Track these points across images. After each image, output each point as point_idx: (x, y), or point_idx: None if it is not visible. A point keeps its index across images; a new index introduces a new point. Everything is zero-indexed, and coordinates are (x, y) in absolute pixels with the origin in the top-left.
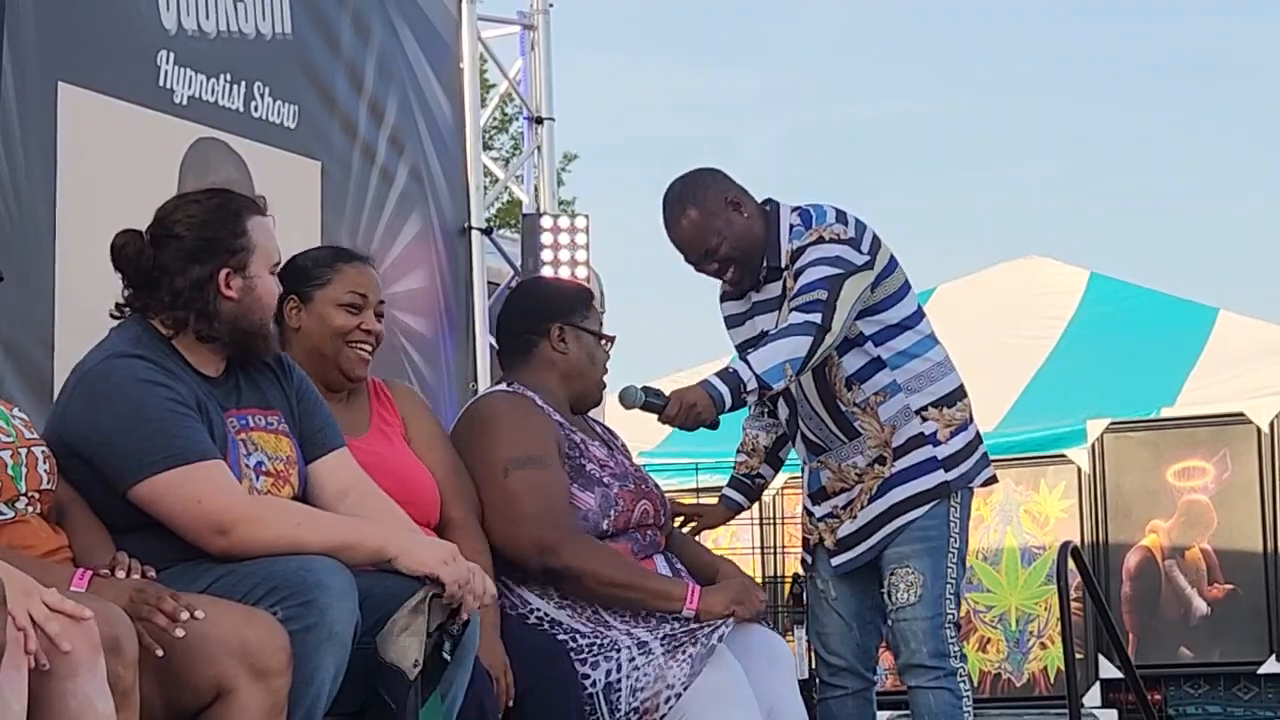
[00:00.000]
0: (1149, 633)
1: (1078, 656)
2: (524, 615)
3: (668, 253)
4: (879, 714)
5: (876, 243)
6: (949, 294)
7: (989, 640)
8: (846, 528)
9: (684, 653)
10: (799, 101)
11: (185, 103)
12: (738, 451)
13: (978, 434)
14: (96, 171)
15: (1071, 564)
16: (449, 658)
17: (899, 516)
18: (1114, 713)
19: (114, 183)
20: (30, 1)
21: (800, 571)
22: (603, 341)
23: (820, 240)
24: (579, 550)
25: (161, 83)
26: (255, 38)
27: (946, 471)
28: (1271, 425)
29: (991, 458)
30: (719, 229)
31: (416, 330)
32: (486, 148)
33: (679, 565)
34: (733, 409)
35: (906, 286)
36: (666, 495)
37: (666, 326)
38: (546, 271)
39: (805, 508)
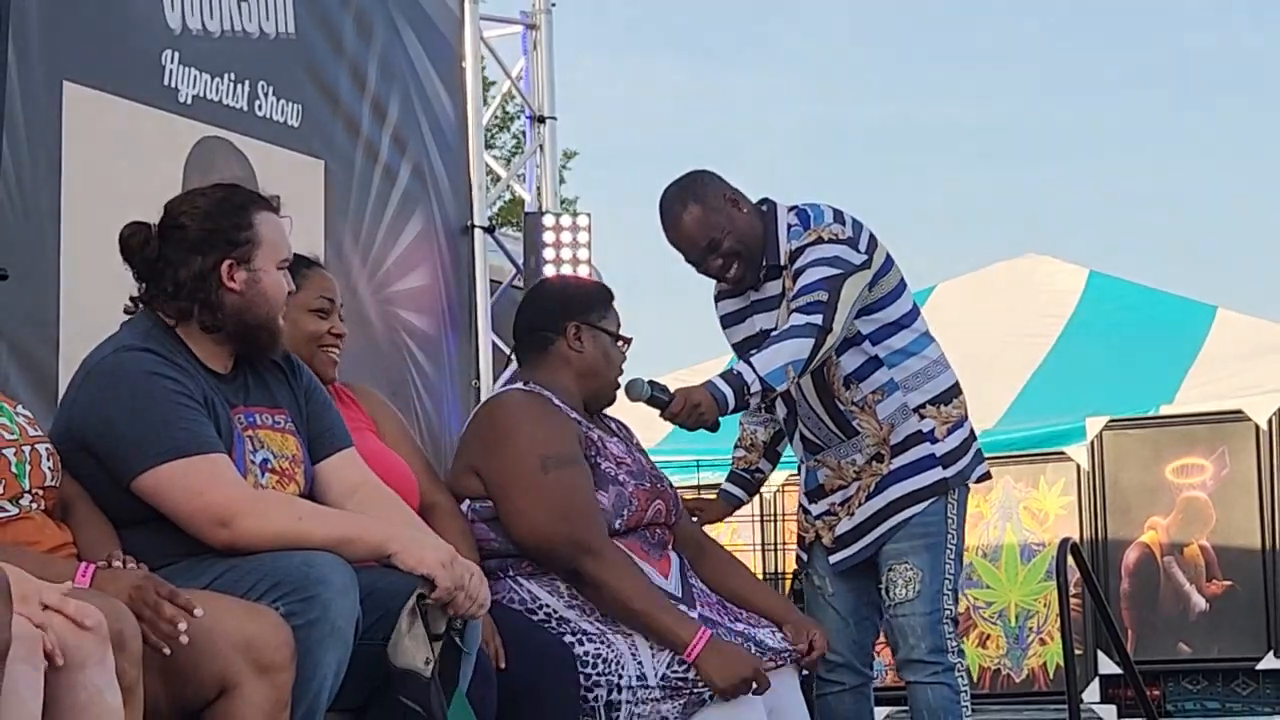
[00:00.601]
0: (1148, 629)
1: (1077, 652)
2: (531, 610)
3: (668, 252)
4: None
5: (873, 241)
6: (949, 292)
7: (988, 636)
8: (844, 525)
9: (680, 697)
10: (800, 102)
11: (190, 102)
12: (736, 446)
13: (972, 431)
14: (101, 170)
15: (1071, 560)
16: (464, 647)
17: (897, 513)
18: (1113, 708)
19: (119, 181)
20: (35, 1)
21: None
22: (619, 342)
23: (819, 240)
24: (614, 562)
25: (166, 82)
26: (259, 37)
27: (945, 469)
28: (1270, 423)
29: (991, 455)
30: (721, 224)
31: (419, 328)
32: (488, 146)
33: (690, 574)
34: (735, 410)
35: (903, 285)
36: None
37: (666, 325)
38: (549, 270)
39: (802, 505)
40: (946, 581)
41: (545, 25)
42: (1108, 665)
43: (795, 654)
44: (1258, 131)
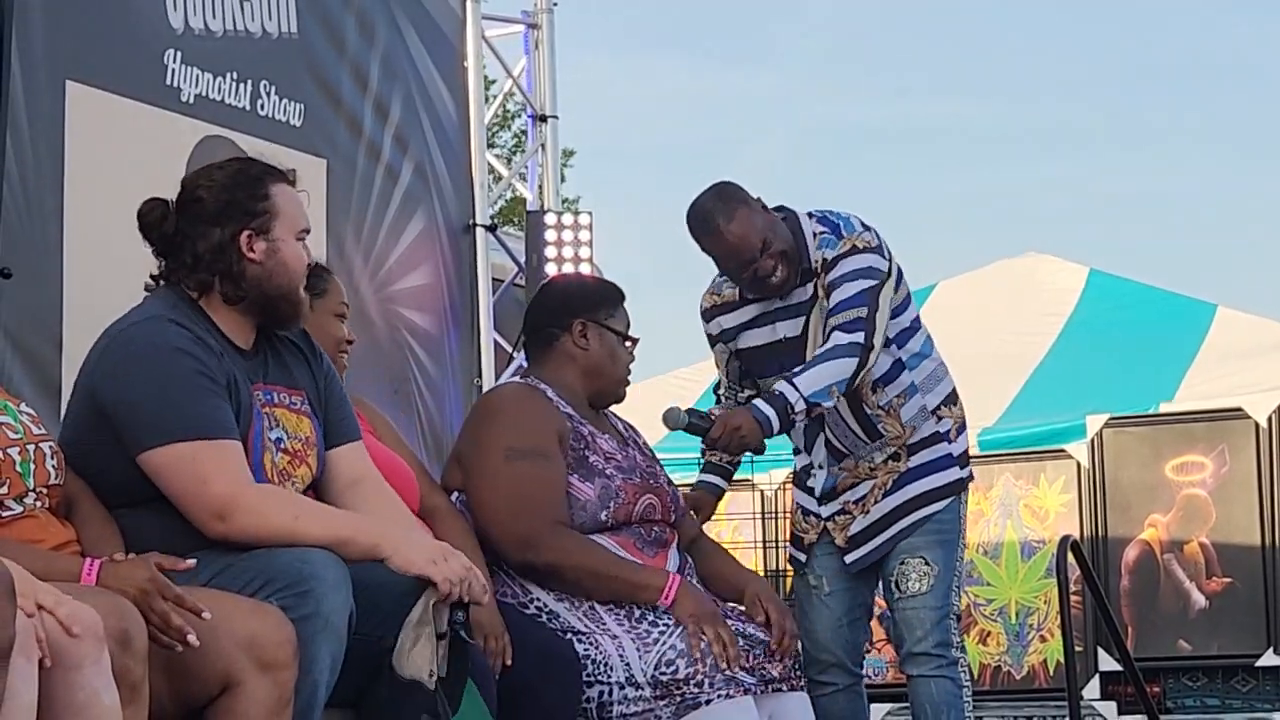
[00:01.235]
0: (1148, 626)
1: (1077, 649)
2: (524, 604)
3: (667, 253)
4: (879, 706)
5: (888, 247)
6: (950, 291)
7: (989, 633)
8: (859, 523)
9: (672, 701)
10: (800, 102)
11: (192, 101)
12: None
13: None
14: (104, 169)
15: (1071, 558)
16: (469, 639)
17: (915, 511)
18: (1113, 705)
19: (121, 180)
20: (39, 1)
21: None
22: (626, 342)
23: (854, 250)
24: (560, 546)
25: (169, 81)
26: (261, 37)
27: (961, 469)
28: (1269, 420)
29: (992, 452)
30: (766, 226)
31: (421, 326)
32: (489, 145)
33: (691, 573)
34: (780, 431)
35: (908, 288)
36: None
37: (665, 324)
38: (550, 268)
39: (801, 506)
40: (955, 579)
41: (547, 25)
42: (1108, 662)
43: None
44: (1257, 130)
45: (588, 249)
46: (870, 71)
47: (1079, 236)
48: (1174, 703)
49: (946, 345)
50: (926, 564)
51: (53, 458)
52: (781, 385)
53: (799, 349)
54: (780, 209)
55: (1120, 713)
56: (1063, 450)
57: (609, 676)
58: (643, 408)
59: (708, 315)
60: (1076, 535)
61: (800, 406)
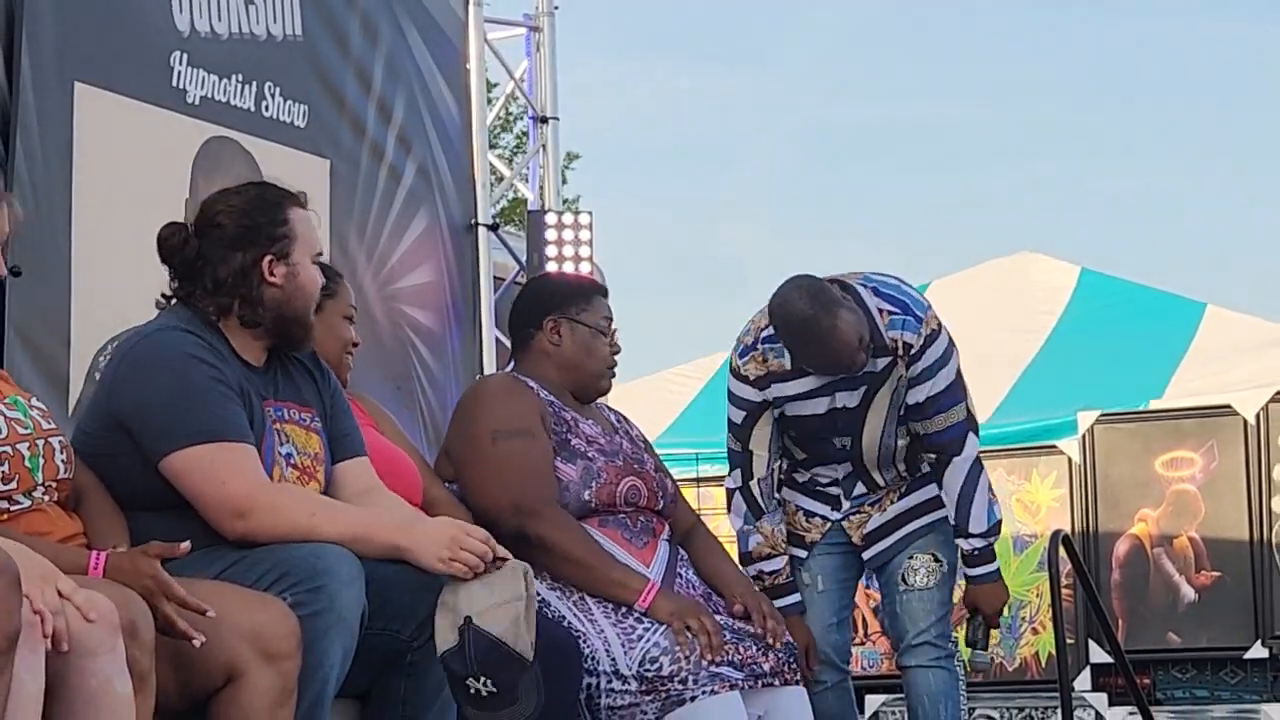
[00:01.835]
0: (1138, 619)
1: (1068, 642)
2: None
3: (666, 253)
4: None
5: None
6: (943, 289)
7: None
8: (875, 520)
9: (658, 697)
10: (799, 102)
11: (198, 102)
12: (762, 546)
13: None
14: (111, 169)
15: (1062, 552)
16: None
17: (930, 512)
18: (1104, 696)
19: (128, 180)
20: (48, 4)
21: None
22: (602, 334)
23: (935, 334)
24: (555, 521)
25: (175, 83)
26: (266, 39)
27: None
28: (1258, 417)
29: (985, 448)
30: (859, 321)
31: (424, 325)
32: (491, 146)
33: (682, 565)
34: (994, 558)
35: None
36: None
37: (665, 323)
38: (551, 267)
39: (805, 509)
40: (957, 577)
41: (548, 27)
42: (1099, 654)
43: (770, 646)
44: (1246, 130)
45: (588, 248)
46: (868, 72)
47: (1071, 236)
48: (1164, 694)
49: None
50: (936, 560)
51: (62, 452)
52: (962, 543)
53: (857, 419)
54: (838, 283)
55: (1111, 704)
56: (1054, 446)
57: (596, 667)
58: (643, 405)
59: (760, 383)
60: (1068, 529)
61: (991, 535)
